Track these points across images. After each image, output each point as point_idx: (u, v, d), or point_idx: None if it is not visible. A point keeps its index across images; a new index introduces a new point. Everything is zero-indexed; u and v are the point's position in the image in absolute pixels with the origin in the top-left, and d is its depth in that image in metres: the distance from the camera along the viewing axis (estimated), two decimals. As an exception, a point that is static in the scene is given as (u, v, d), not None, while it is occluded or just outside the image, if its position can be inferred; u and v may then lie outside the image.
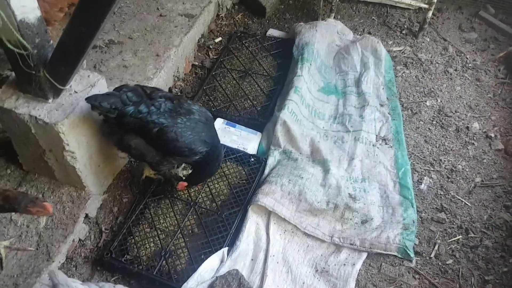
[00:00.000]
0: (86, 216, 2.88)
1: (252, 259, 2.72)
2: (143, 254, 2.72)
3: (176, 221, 2.87)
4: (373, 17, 4.49)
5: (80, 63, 2.32)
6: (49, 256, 2.63)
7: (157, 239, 2.79)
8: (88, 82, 2.63)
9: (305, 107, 3.47)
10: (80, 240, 2.83)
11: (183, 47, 3.73)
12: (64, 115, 2.46)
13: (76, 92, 2.57)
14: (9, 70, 2.89)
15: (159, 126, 2.51)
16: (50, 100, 2.51)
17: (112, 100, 2.45)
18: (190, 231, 2.84)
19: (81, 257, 2.78)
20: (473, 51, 4.11)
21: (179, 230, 2.83)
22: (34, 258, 2.61)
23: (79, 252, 2.80)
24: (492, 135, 3.41)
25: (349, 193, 3.00)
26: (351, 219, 2.90)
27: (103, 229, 2.89)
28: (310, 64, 3.67)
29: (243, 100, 3.64)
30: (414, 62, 4.00)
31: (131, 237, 2.79)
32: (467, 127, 3.48)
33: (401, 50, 4.12)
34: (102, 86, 2.68)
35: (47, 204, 2.10)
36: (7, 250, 2.58)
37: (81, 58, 2.26)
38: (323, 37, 3.96)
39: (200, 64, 4.01)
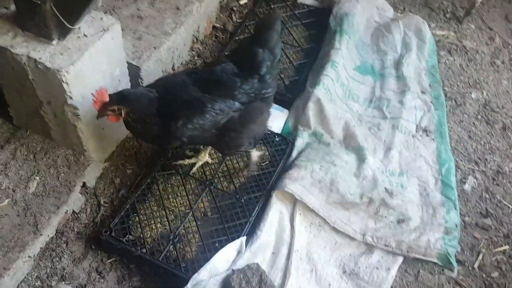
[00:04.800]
0: (84, 185, 2.51)
1: (273, 253, 2.39)
2: (148, 235, 2.35)
3: (188, 202, 2.50)
4: (414, -5, 4.11)
5: (95, -2, 1.90)
6: (37, 228, 2.28)
7: (165, 220, 2.41)
8: (100, 25, 2.22)
9: (340, 86, 3.09)
10: (74, 212, 2.47)
11: (207, 3, 3.33)
12: (70, 61, 2.07)
13: (86, 36, 2.17)
14: (5, 8, 2.44)
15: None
16: (54, 42, 2.12)
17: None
18: (204, 215, 2.48)
19: (74, 232, 2.43)
20: (520, 44, 3.77)
21: (191, 212, 2.46)
22: (19, 229, 2.25)
23: (72, 226, 2.45)
24: (542, 137, 3.09)
25: (385, 187, 2.65)
26: (386, 216, 2.56)
27: (102, 202, 2.53)
28: (349, 38, 3.29)
29: (268, 72, 3.24)
30: (458, 50, 3.64)
31: (135, 214, 2.41)
32: (515, 126, 3.15)
33: (445, 34, 3.75)
34: (116, 32, 2.27)
35: None
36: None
37: (99, -10, 1.84)
38: (364, 10, 3.58)
39: (221, 26, 3.61)
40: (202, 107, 2.14)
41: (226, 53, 2.51)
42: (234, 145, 2.36)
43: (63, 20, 1.99)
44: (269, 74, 2.25)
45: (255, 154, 2.61)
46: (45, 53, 2.08)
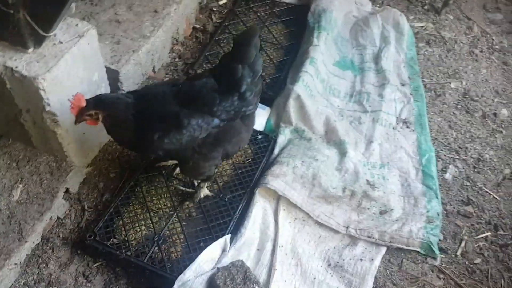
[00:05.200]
0: (67, 191, 2.52)
1: (258, 249, 2.40)
2: (133, 238, 2.36)
3: (171, 203, 2.51)
4: (392, -11, 4.14)
5: (68, 5, 1.93)
6: (22, 235, 2.29)
7: (149, 222, 2.43)
8: (75, 32, 2.22)
9: (319, 82, 3.11)
10: (58, 218, 2.48)
11: (185, 5, 3.33)
12: (46, 69, 2.08)
13: (61, 43, 2.18)
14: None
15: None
16: (30, 50, 2.13)
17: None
18: (188, 215, 2.49)
19: (59, 238, 2.44)
20: (498, 32, 3.81)
21: (175, 213, 2.47)
22: (4, 236, 2.26)
23: (57, 232, 2.46)
24: (522, 123, 3.14)
25: (367, 180, 2.68)
26: (368, 208, 2.59)
27: (86, 207, 2.53)
28: (328, 34, 3.31)
29: (249, 70, 3.26)
30: (437, 40, 3.67)
31: (119, 218, 2.42)
32: (495, 114, 3.19)
33: (423, 26, 3.79)
34: (92, 38, 2.28)
35: None
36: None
37: (70, -3, 1.85)
38: (341, 5, 3.61)
39: (201, 27, 3.62)
40: (179, 122, 2.09)
41: (209, 68, 2.44)
42: (203, 164, 2.33)
43: (37, 28, 1.99)
44: (250, 92, 2.18)
45: (204, 192, 2.56)
46: (21, 62, 2.08)
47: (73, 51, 2.17)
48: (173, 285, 2.13)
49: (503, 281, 2.41)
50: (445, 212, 2.66)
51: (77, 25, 2.25)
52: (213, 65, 3.25)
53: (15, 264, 2.23)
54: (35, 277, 2.29)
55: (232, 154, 2.42)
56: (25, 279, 2.28)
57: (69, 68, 2.17)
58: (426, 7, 3.97)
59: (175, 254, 2.32)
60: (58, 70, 2.11)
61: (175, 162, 2.64)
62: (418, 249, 2.44)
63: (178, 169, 2.63)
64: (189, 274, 2.19)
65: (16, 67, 2.07)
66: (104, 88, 2.52)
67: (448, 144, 3.01)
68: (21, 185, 2.42)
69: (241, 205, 2.52)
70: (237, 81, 2.14)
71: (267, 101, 3.06)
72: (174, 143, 2.12)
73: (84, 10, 3.01)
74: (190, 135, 2.12)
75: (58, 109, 2.20)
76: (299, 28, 3.57)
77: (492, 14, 3.98)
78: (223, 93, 2.15)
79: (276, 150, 2.78)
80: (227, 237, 2.38)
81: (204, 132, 2.15)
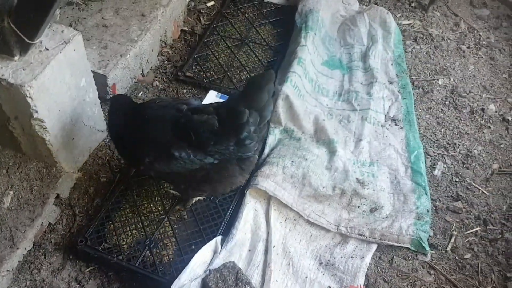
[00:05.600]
0: (57, 196, 2.52)
1: (249, 250, 2.41)
2: (124, 242, 2.37)
3: (162, 206, 2.52)
4: (379, -13, 4.15)
5: (52, 12, 1.92)
6: (13, 242, 2.29)
7: (141, 225, 2.44)
8: (61, 38, 2.22)
9: (308, 82, 3.13)
10: (50, 224, 2.48)
11: (172, 8, 3.33)
12: (32, 76, 2.07)
13: (47, 49, 2.17)
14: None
15: None
16: (16, 57, 2.12)
17: None
18: (179, 218, 2.50)
19: (51, 244, 2.45)
20: (485, 28, 3.83)
21: (166, 217, 2.48)
22: (-5, 244, 2.24)
23: (49, 238, 2.47)
24: (510, 118, 3.16)
25: (356, 178, 2.70)
26: (359, 206, 2.60)
27: (77, 212, 2.54)
28: (315, 34, 3.32)
29: (239, 72, 3.29)
30: (424, 38, 3.69)
31: (110, 222, 2.43)
32: (482, 109, 3.21)
33: (410, 24, 3.80)
34: (78, 44, 2.27)
35: None
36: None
37: (54, 4, 1.85)
38: (328, 5, 3.61)
39: (190, 29, 3.62)
40: (169, 153, 2.06)
41: (216, 103, 2.27)
42: (191, 193, 2.35)
43: (22, 36, 1.99)
44: (250, 140, 2.06)
45: (196, 198, 2.55)
46: (8, 70, 2.08)
47: (59, 57, 2.17)
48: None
49: (493, 275, 2.42)
50: (434, 208, 2.67)
51: (62, 31, 2.25)
52: (204, 69, 3.27)
53: (7, 271, 2.23)
54: (28, 283, 2.29)
55: (220, 194, 2.41)
56: (18, 285, 2.28)
57: (55, 75, 2.16)
58: (413, 4, 3.99)
59: (167, 257, 2.33)
60: (45, 77, 2.10)
61: None
62: (409, 246, 2.45)
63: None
64: (184, 278, 2.19)
65: (3, 75, 2.06)
66: (92, 93, 2.52)
67: (437, 140, 3.03)
68: (11, 192, 2.42)
69: (232, 206, 2.53)
70: (239, 126, 2.02)
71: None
72: (164, 169, 2.12)
73: (71, 16, 3.01)
74: (181, 166, 2.10)
75: (46, 115, 2.20)
76: (287, 28, 3.58)
77: (479, 10, 4.00)
78: (221, 136, 2.05)
79: (266, 151, 2.79)
80: (218, 238, 2.38)
81: (196, 164, 2.11)
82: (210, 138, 2.05)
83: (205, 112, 2.09)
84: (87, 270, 2.35)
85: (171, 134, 2.10)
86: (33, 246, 2.38)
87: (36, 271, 2.33)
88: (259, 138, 2.13)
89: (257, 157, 2.39)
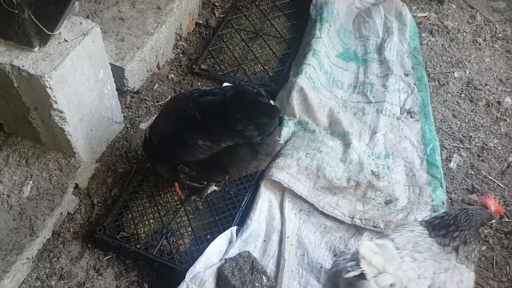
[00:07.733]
0: (76, 186, 2.56)
1: (264, 240, 2.43)
2: (142, 231, 2.41)
3: (178, 196, 2.54)
4: (394, -20, 4.12)
5: (71, 4, 1.95)
6: (33, 230, 2.33)
7: (158, 215, 2.47)
8: (80, 30, 2.25)
9: (323, 74, 3.12)
10: (68, 213, 2.53)
11: (187, 1, 3.36)
12: (52, 67, 2.10)
13: (66, 41, 2.20)
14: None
15: None
16: (36, 49, 2.16)
17: None
18: (195, 208, 2.52)
19: (70, 233, 2.49)
20: (501, 21, 3.78)
21: (182, 207, 2.51)
22: (16, 232, 2.30)
23: (68, 227, 2.51)
24: (526, 111, 3.13)
25: (371, 170, 2.69)
26: (373, 198, 2.60)
27: (95, 202, 2.58)
28: (330, 26, 3.31)
29: (253, 64, 3.30)
30: (440, 30, 3.66)
31: (128, 212, 2.47)
32: (498, 102, 3.18)
33: (426, 16, 3.77)
34: (96, 36, 2.30)
35: None
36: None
37: (73, -4, 1.88)
38: (343, -4, 3.59)
39: (204, 22, 3.64)
40: (185, 141, 2.12)
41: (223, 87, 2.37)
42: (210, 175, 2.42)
43: (42, 27, 2.02)
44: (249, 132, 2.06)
45: (212, 188, 2.59)
46: (28, 61, 2.11)
47: (78, 49, 2.20)
48: (182, 276, 2.16)
49: (508, 267, 2.42)
50: (450, 200, 2.67)
51: (81, 23, 2.28)
52: (219, 62, 3.29)
53: (27, 259, 2.28)
54: (47, 271, 2.35)
55: (235, 176, 2.49)
56: (37, 273, 2.33)
57: (74, 66, 2.20)
58: (428, -4, 3.96)
59: (183, 246, 2.37)
60: (64, 68, 2.14)
61: None
62: (423, 238, 2.46)
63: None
64: (199, 266, 2.22)
65: (23, 66, 2.10)
66: (110, 85, 2.55)
67: (452, 133, 3.01)
68: (31, 182, 2.47)
69: (246, 198, 2.56)
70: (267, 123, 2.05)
71: (270, 94, 3.05)
72: (186, 158, 2.23)
73: (88, 8, 3.04)
74: (202, 150, 2.14)
75: (66, 106, 2.24)
76: (301, 21, 3.57)
77: (495, 2, 3.95)
78: (228, 116, 2.05)
79: (281, 143, 2.80)
80: (233, 228, 2.41)
81: (213, 149, 2.15)
82: (215, 118, 2.04)
83: (212, 94, 2.12)
84: (105, 258, 2.39)
85: (185, 123, 2.13)
86: (52, 235, 2.43)
87: (55, 259, 2.38)
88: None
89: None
